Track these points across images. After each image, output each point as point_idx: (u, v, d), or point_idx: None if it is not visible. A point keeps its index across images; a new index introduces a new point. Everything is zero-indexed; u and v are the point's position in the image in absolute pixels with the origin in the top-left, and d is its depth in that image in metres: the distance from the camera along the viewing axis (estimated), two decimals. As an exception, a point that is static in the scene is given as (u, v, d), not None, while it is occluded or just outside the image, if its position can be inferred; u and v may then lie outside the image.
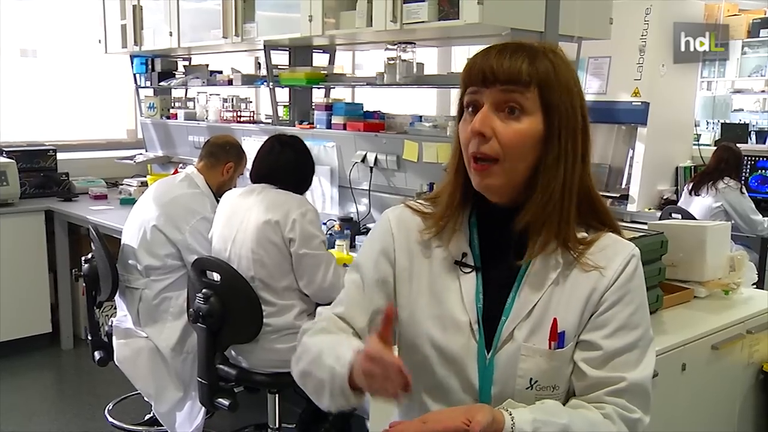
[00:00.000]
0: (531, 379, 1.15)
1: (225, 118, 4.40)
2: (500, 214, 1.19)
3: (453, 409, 1.10)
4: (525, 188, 1.16)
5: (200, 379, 2.65)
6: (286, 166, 2.68)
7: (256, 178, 2.72)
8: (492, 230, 1.22)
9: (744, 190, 4.47)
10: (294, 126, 3.87)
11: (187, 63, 4.93)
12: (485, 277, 1.21)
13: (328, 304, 2.79)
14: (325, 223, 3.43)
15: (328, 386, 1.12)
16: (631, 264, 1.18)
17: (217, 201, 2.96)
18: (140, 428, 3.38)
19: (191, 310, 2.59)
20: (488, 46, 1.17)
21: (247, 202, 2.62)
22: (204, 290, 2.56)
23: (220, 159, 3.10)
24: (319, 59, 4.04)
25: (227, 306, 2.55)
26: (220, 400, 2.62)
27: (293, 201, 2.58)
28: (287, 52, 4.03)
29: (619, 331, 1.15)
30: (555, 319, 1.15)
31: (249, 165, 2.99)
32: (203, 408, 2.89)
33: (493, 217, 1.21)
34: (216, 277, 2.60)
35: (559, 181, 1.14)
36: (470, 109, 1.16)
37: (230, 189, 3.00)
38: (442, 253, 1.23)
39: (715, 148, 4.71)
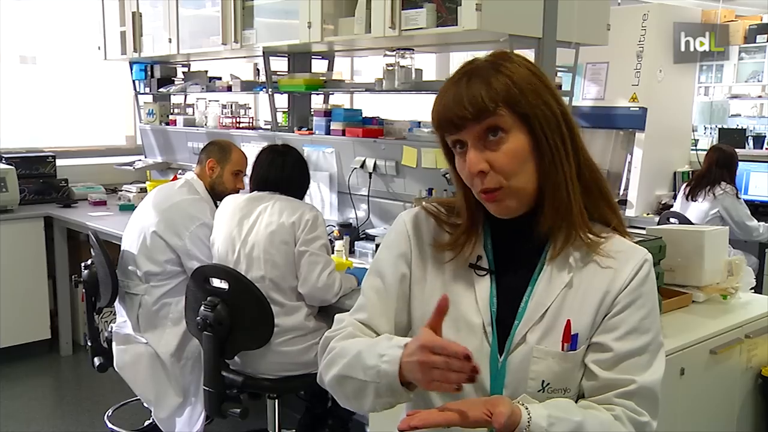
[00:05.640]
0: (543, 381, 1.17)
1: (224, 124, 4.40)
2: (512, 221, 1.20)
3: (472, 400, 1.11)
4: (534, 195, 1.18)
5: (207, 388, 2.65)
6: (292, 175, 2.78)
7: (262, 187, 2.77)
8: (505, 235, 1.24)
9: (740, 195, 4.48)
10: (293, 132, 3.88)
11: (186, 69, 4.94)
12: (499, 281, 1.23)
13: (322, 306, 2.77)
14: (324, 229, 3.43)
15: (373, 386, 1.11)
16: (644, 268, 1.19)
17: (216, 205, 2.97)
18: (140, 434, 3.38)
19: (199, 319, 2.56)
20: (444, 83, 1.18)
21: (258, 207, 2.69)
22: (209, 298, 2.56)
23: (202, 160, 3.14)
24: (318, 65, 4.05)
25: (236, 312, 2.55)
26: (231, 408, 2.63)
27: (306, 205, 2.73)
28: (286, 59, 4.04)
29: (630, 334, 1.17)
30: (569, 321, 1.17)
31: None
32: (203, 413, 2.89)
33: (505, 222, 1.22)
34: (221, 284, 2.60)
35: (561, 180, 1.16)
36: (458, 147, 1.18)
37: (233, 191, 3.01)
38: (457, 256, 1.25)
39: (707, 150, 4.73)
